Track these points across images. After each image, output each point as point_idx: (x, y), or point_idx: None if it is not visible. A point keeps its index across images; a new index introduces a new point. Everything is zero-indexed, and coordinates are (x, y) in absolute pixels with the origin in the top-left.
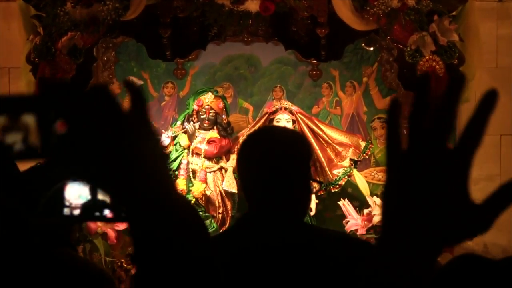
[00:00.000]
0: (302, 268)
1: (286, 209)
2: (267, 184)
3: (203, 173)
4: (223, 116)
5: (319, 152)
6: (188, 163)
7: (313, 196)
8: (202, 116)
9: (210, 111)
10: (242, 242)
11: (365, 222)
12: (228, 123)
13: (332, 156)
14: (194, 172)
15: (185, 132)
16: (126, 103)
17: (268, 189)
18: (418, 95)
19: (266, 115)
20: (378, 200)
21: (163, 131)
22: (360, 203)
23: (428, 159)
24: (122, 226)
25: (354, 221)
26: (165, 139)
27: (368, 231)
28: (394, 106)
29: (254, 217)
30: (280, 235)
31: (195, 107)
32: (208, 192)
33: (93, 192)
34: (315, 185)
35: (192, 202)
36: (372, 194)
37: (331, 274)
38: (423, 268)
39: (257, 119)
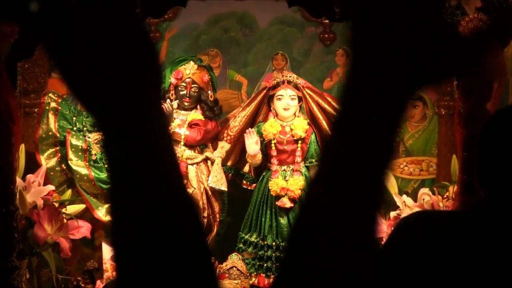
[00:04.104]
0: None
1: None
2: None
3: (183, 165)
4: (209, 92)
5: None
6: None
7: None
8: (181, 92)
9: (192, 85)
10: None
11: (392, 228)
12: (215, 101)
13: None
14: None
15: None
16: None
17: None
18: None
19: (265, 91)
20: (408, 200)
21: None
22: (385, 204)
23: None
24: (78, 235)
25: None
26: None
27: None
28: None
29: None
30: None
31: (173, 80)
32: (189, 190)
33: None
34: None
35: None
36: (400, 192)
37: None
38: None
39: (253, 95)
